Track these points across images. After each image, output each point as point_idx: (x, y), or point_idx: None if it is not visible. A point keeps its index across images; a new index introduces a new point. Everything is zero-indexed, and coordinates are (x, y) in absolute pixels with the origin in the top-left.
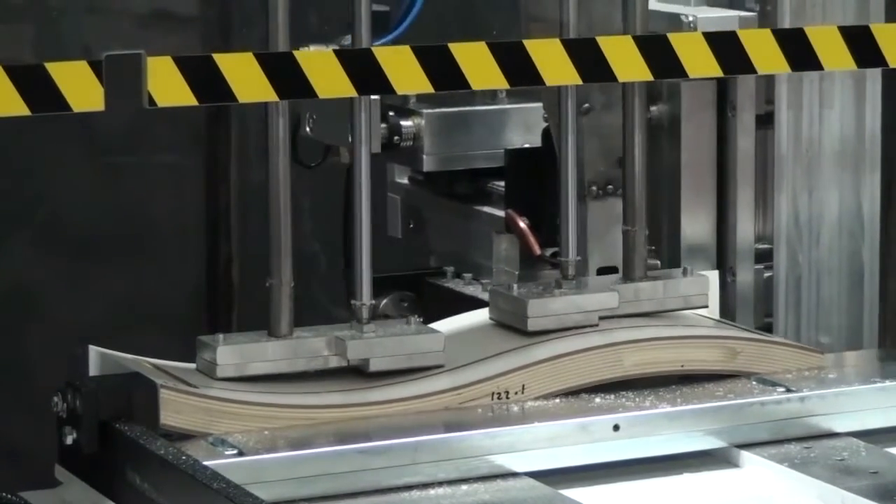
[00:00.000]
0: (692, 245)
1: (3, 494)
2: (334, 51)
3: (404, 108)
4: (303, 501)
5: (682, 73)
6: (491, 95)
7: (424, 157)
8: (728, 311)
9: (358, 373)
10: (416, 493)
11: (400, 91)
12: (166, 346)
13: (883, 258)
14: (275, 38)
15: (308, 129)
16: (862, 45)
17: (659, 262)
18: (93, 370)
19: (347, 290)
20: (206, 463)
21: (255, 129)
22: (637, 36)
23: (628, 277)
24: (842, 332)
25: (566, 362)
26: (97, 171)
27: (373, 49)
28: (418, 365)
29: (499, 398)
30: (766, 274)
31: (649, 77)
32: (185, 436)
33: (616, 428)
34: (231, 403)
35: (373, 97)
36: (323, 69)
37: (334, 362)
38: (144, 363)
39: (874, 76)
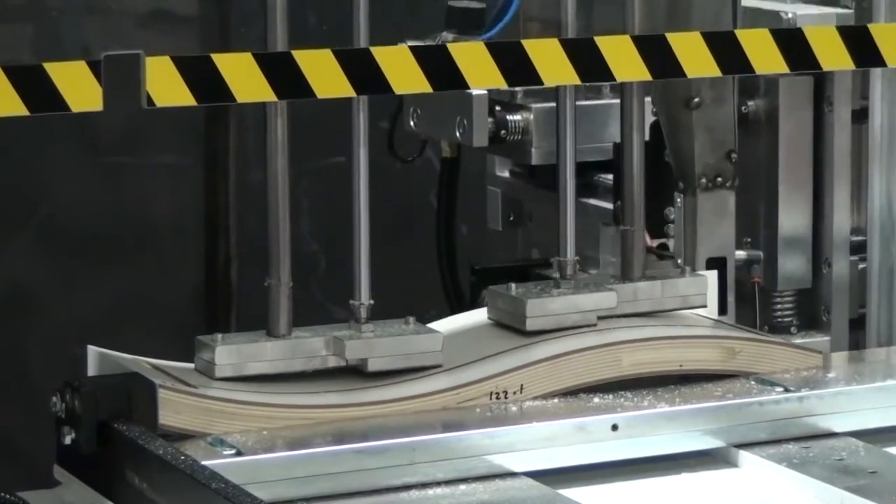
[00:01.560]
0: (788, 237)
1: (2, 494)
2: (333, 51)
3: (511, 102)
4: (301, 501)
5: (680, 73)
6: (595, 90)
7: (533, 150)
8: (823, 301)
9: (356, 373)
10: (414, 493)
11: (398, 91)
12: (165, 346)
13: None
14: (273, 38)
15: (412, 123)
16: (860, 44)
17: (761, 253)
18: (91, 370)
19: (444, 290)
20: (204, 463)
21: (254, 130)
22: (635, 36)
23: (627, 277)
24: None
25: (564, 362)
26: (96, 172)
27: (371, 49)
28: (417, 365)
29: (497, 398)
30: (861, 265)
31: (648, 77)
32: (184, 436)
33: (614, 428)
34: (230, 403)
35: (482, 91)
36: (321, 69)
37: (333, 362)
38: (143, 363)
39: None
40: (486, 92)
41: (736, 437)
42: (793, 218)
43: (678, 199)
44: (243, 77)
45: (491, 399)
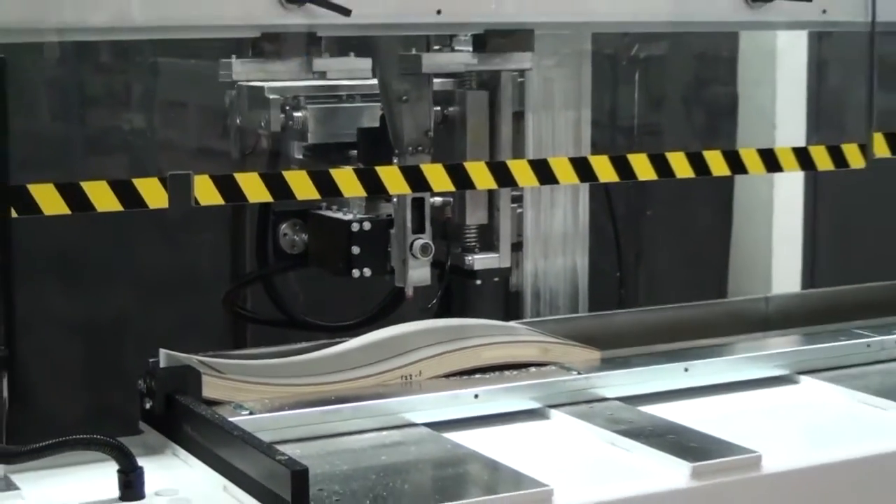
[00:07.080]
0: (473, 192)
1: (108, 439)
2: (307, 171)
3: (296, 104)
4: (289, 441)
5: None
6: (359, 99)
7: (309, 134)
8: (495, 232)
9: (327, 366)
10: (354, 437)
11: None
12: (208, 351)
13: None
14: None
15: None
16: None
17: (452, 200)
18: (162, 363)
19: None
20: (230, 419)
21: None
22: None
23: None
24: None
25: (447, 357)
26: (163, 239)
27: (330, 171)
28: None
29: (406, 379)
30: (518, 210)
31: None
32: (217, 403)
33: (476, 396)
34: (246, 384)
35: (276, 95)
36: (299, 183)
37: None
38: (194, 359)
39: (584, 186)
40: (279, 96)
41: (549, 401)
42: (475, 180)
43: (395, 161)
44: (253, 186)
45: (402, 379)
